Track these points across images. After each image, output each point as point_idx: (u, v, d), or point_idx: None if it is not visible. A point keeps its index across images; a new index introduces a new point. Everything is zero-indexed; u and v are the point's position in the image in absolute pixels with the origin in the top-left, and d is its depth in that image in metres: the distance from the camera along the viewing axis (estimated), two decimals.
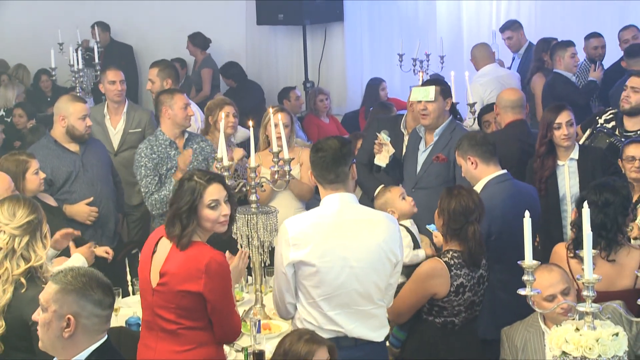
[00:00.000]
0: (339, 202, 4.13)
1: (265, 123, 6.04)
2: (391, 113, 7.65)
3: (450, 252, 4.47)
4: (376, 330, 4.18)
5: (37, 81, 10.57)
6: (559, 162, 5.76)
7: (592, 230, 4.47)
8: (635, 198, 5.45)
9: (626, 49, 8.10)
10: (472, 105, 7.05)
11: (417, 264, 4.88)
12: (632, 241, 5.03)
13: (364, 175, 6.25)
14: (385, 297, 4.22)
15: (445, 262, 4.43)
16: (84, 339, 3.12)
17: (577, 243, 4.61)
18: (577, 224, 4.66)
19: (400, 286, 4.55)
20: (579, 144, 5.79)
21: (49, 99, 9.90)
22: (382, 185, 5.70)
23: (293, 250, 4.05)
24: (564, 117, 5.68)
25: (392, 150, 5.97)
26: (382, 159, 6.00)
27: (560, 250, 4.75)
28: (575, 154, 5.75)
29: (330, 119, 9.38)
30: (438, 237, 5.00)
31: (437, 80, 6.26)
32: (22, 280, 4.04)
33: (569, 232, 5.50)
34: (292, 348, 3.73)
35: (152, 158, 6.08)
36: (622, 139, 6.14)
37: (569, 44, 8.07)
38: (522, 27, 9.31)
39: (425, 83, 6.10)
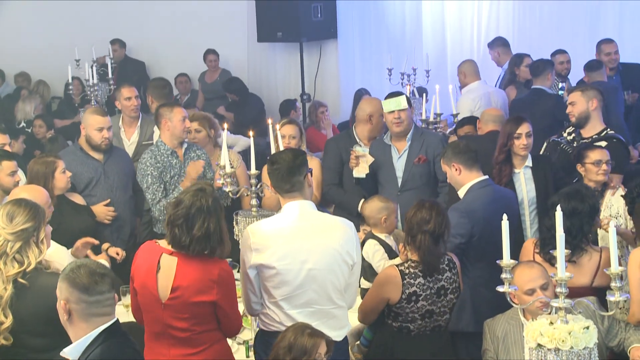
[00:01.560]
0: (298, 209, 4.12)
1: (275, 135, 6.00)
2: None
3: (408, 262, 4.41)
4: (335, 329, 4.12)
5: (67, 90, 10.49)
6: (515, 170, 5.77)
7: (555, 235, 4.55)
8: None
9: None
10: (455, 115, 7.06)
11: None
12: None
13: (338, 194, 6.17)
14: (346, 297, 4.20)
15: (400, 270, 4.37)
16: (82, 321, 3.18)
17: (543, 244, 4.68)
18: (546, 226, 4.71)
19: (366, 291, 4.57)
20: (531, 154, 5.82)
21: (76, 105, 9.89)
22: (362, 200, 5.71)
23: (255, 254, 4.04)
24: (524, 128, 5.70)
25: (371, 159, 5.93)
26: (361, 171, 5.93)
27: (529, 245, 4.82)
28: (529, 162, 5.77)
29: (332, 129, 9.28)
30: None
31: (400, 92, 6.28)
32: (21, 280, 3.97)
33: (528, 234, 5.58)
34: (298, 341, 3.70)
35: (157, 167, 6.07)
36: (574, 144, 6.25)
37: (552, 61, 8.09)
38: (507, 44, 9.32)
39: (391, 95, 6.06)
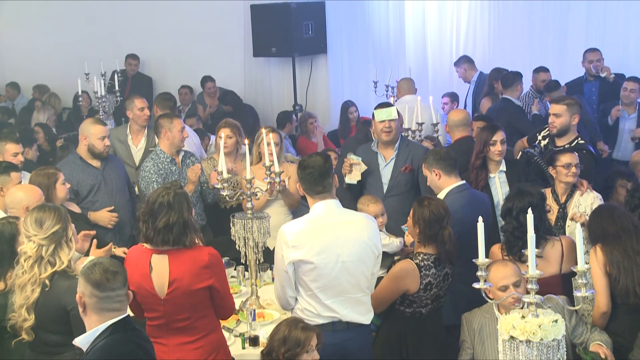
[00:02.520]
0: (325, 208, 4.16)
1: (259, 142, 6.00)
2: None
3: (421, 255, 4.47)
4: (364, 314, 4.22)
5: (76, 101, 10.47)
6: (490, 175, 5.81)
7: (521, 233, 4.56)
8: (564, 198, 5.56)
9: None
10: (435, 125, 7.06)
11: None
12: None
13: (341, 191, 6.06)
14: (370, 284, 4.25)
15: (416, 263, 4.44)
16: (94, 314, 3.25)
17: (510, 246, 4.67)
18: (507, 230, 4.72)
19: (379, 279, 4.56)
20: (504, 160, 5.85)
21: (84, 117, 9.88)
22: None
23: (293, 251, 4.05)
24: (499, 136, 5.76)
25: (364, 168, 5.95)
26: (353, 177, 5.95)
27: (496, 250, 4.79)
28: (503, 167, 5.83)
29: (323, 137, 9.29)
30: (408, 237, 5.03)
31: (389, 103, 6.29)
32: (47, 282, 3.99)
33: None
34: (292, 334, 3.74)
35: (160, 174, 6.09)
36: (547, 148, 6.25)
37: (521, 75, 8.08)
38: (471, 61, 9.38)
39: (382, 106, 6.06)
